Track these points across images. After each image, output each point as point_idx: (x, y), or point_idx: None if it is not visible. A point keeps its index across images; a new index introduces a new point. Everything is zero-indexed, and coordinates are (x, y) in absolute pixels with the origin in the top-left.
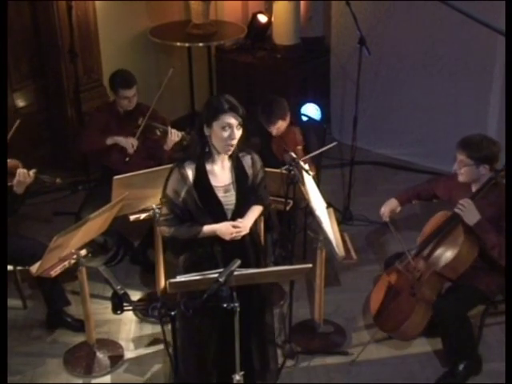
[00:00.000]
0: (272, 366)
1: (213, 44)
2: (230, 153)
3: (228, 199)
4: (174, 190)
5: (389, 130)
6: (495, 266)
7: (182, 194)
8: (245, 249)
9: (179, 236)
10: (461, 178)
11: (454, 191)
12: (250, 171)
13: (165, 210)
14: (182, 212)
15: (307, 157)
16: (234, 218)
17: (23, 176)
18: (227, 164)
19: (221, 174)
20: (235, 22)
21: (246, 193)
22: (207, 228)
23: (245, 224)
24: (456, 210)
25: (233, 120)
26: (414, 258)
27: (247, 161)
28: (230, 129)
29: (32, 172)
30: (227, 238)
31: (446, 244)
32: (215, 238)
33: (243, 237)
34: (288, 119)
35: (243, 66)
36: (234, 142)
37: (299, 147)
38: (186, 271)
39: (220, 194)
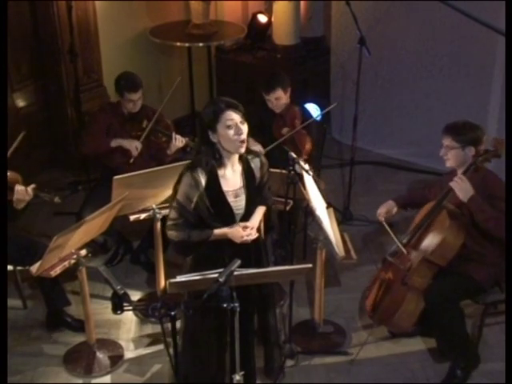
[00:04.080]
0: (274, 366)
1: (213, 44)
2: (243, 150)
3: (238, 204)
4: (186, 195)
5: (389, 130)
6: (487, 254)
7: (195, 199)
8: (249, 249)
9: (190, 240)
10: (448, 164)
11: (445, 186)
12: (258, 173)
13: (174, 215)
14: (192, 217)
15: (299, 128)
16: (242, 222)
17: (22, 194)
18: (238, 168)
19: (232, 178)
20: (235, 21)
21: (254, 196)
22: (218, 232)
23: (253, 226)
24: (451, 183)
25: (234, 115)
26: (405, 248)
27: (256, 163)
28: (234, 125)
29: (30, 189)
30: (238, 241)
31: (433, 230)
32: (223, 240)
33: None
34: (288, 94)
35: (243, 65)
36: (243, 137)
37: (297, 121)
38: (194, 271)
39: (231, 199)
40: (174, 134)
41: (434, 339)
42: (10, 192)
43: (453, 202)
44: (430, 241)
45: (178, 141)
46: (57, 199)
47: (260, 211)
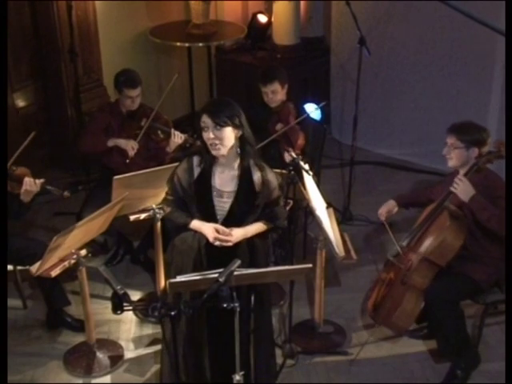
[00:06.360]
0: (271, 366)
1: (213, 44)
2: (216, 154)
3: (221, 205)
4: (178, 177)
5: (389, 130)
6: (488, 255)
7: (184, 183)
8: (235, 252)
9: (171, 219)
10: (451, 163)
11: (447, 188)
12: (258, 188)
13: (168, 190)
14: (178, 198)
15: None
16: (222, 225)
17: (30, 185)
18: (236, 172)
19: (226, 179)
20: (235, 21)
21: (243, 205)
22: (195, 223)
23: (235, 235)
24: (451, 188)
25: (206, 120)
26: (406, 247)
27: (257, 177)
28: (207, 129)
29: (39, 182)
30: (210, 240)
31: (433, 230)
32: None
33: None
34: (285, 91)
35: (243, 66)
36: (213, 141)
37: (291, 117)
38: (171, 260)
39: (216, 198)
40: (172, 131)
41: (435, 339)
42: (18, 185)
43: (455, 203)
44: (430, 240)
45: (177, 137)
46: (66, 193)
47: (257, 227)
